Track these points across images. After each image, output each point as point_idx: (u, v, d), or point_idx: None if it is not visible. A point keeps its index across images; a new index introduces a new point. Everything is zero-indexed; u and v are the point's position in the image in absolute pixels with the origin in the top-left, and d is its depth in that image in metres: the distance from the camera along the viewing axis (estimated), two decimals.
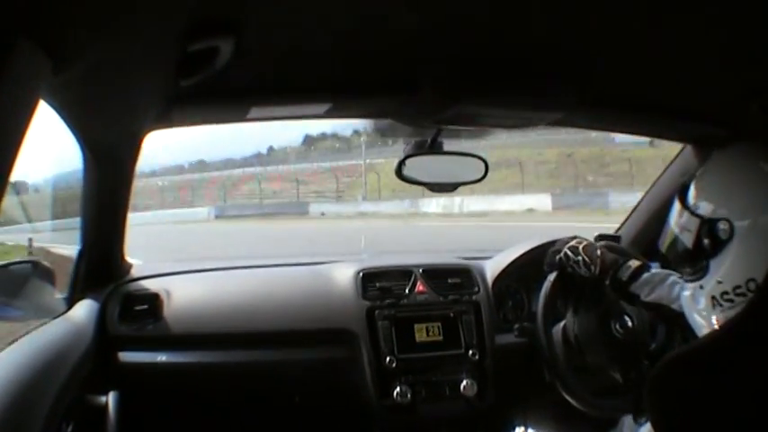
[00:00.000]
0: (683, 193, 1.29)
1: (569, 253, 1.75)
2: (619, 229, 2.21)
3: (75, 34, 0.81)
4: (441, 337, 1.92)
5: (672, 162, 2.04)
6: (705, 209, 1.23)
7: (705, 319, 1.26)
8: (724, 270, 1.20)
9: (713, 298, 1.22)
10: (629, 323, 1.75)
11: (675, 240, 1.29)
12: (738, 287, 1.18)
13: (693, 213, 1.24)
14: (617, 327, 1.76)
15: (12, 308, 1.44)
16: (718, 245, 1.20)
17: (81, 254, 1.73)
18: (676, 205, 1.30)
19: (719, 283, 1.21)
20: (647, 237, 2.03)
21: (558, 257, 1.78)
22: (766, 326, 0.93)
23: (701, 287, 1.25)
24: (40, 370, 1.26)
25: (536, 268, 1.93)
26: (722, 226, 1.19)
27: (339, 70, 1.31)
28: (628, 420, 1.71)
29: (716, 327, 1.22)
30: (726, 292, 1.19)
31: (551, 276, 1.83)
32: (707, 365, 0.99)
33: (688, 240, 1.25)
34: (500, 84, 1.32)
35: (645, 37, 1.13)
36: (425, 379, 1.87)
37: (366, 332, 1.88)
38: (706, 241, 1.21)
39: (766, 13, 0.98)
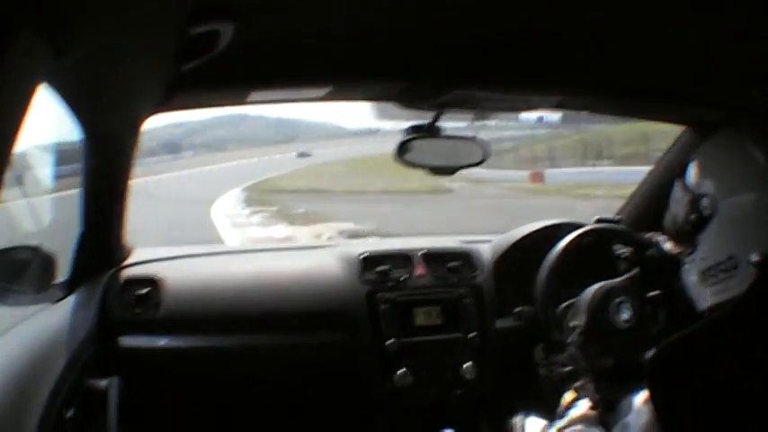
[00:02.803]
0: (682, 169, 1.31)
1: None
2: (619, 212, 2.21)
3: (76, 20, 0.80)
4: (440, 321, 1.92)
5: (672, 145, 2.05)
6: (695, 185, 1.24)
7: (699, 292, 1.28)
8: (708, 246, 1.22)
9: (701, 273, 1.24)
10: (630, 313, 1.76)
11: (671, 214, 1.31)
12: (721, 263, 1.19)
13: (686, 189, 1.25)
14: (616, 317, 1.76)
15: (12, 293, 1.44)
16: (703, 220, 1.21)
17: (81, 238, 1.73)
18: (677, 181, 1.32)
19: (704, 259, 1.22)
20: (647, 219, 2.04)
21: None
22: (763, 309, 0.94)
23: (693, 260, 1.27)
24: (41, 355, 1.27)
25: (537, 252, 1.93)
26: (705, 202, 1.20)
27: (339, 54, 1.30)
28: (626, 402, 1.72)
29: (708, 302, 1.24)
30: (710, 268, 1.21)
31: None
32: (706, 348, 1.01)
33: (680, 214, 1.27)
34: (500, 67, 1.31)
35: (645, 21, 1.12)
36: (426, 363, 1.88)
37: (366, 316, 1.89)
38: (692, 216, 1.23)
39: None
